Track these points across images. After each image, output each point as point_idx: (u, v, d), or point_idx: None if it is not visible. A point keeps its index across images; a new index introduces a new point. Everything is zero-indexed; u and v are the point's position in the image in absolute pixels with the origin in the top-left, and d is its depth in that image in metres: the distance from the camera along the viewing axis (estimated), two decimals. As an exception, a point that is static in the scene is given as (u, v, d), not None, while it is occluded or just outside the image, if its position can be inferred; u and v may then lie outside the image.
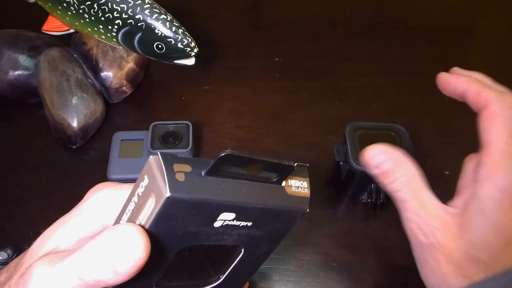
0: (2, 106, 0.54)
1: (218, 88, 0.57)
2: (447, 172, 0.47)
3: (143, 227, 0.22)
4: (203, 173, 0.22)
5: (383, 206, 0.44)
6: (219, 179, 0.23)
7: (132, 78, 0.54)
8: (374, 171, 0.36)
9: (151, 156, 0.22)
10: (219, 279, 0.29)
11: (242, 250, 0.28)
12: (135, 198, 0.23)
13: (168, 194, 0.21)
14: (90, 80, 0.52)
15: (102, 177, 0.47)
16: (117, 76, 0.52)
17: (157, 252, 0.23)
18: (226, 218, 0.24)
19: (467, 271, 0.30)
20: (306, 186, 0.28)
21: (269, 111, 0.54)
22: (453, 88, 0.34)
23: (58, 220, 0.27)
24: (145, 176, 0.22)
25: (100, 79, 0.52)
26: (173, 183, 0.21)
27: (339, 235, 0.44)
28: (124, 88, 0.54)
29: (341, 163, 0.46)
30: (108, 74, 0.52)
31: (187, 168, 0.22)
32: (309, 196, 0.28)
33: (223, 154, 0.22)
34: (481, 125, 0.31)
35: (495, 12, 0.67)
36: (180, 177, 0.22)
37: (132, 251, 0.21)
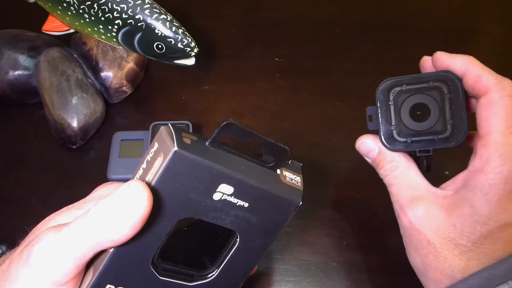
0: (2, 106, 0.54)
1: (218, 88, 0.57)
2: (447, 172, 0.47)
3: (149, 184, 0.23)
4: (207, 143, 0.25)
5: None
6: (221, 151, 0.26)
7: (132, 78, 0.54)
8: (367, 159, 0.37)
9: (162, 127, 0.25)
10: (214, 272, 0.29)
11: (238, 239, 0.28)
12: (143, 165, 0.25)
13: (175, 148, 0.23)
14: (90, 80, 0.52)
15: (102, 177, 0.47)
16: (117, 76, 0.52)
17: (159, 216, 0.24)
18: (225, 191, 0.26)
19: (447, 252, 0.30)
20: (299, 180, 0.30)
21: (269, 111, 0.54)
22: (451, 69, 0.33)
23: (62, 209, 0.28)
24: (155, 143, 0.25)
25: (100, 79, 0.52)
26: (180, 143, 0.23)
27: (339, 235, 0.44)
28: (124, 88, 0.54)
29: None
30: (108, 74, 0.52)
31: (194, 137, 0.25)
32: (302, 190, 0.30)
33: (225, 122, 0.25)
34: (479, 113, 0.30)
35: (496, 12, 0.67)
36: (187, 141, 0.24)
37: (135, 202, 0.22)
